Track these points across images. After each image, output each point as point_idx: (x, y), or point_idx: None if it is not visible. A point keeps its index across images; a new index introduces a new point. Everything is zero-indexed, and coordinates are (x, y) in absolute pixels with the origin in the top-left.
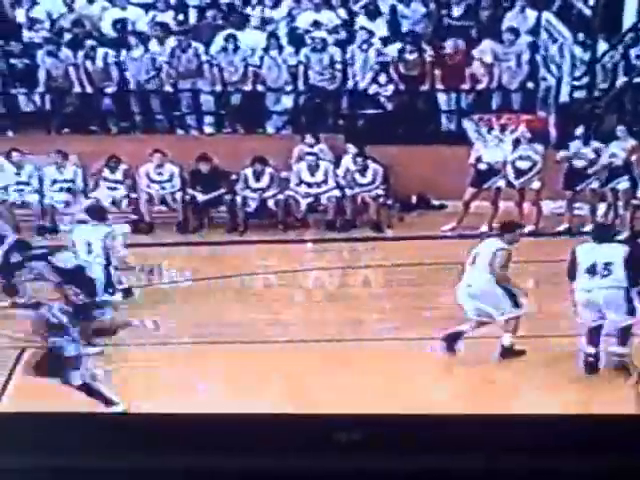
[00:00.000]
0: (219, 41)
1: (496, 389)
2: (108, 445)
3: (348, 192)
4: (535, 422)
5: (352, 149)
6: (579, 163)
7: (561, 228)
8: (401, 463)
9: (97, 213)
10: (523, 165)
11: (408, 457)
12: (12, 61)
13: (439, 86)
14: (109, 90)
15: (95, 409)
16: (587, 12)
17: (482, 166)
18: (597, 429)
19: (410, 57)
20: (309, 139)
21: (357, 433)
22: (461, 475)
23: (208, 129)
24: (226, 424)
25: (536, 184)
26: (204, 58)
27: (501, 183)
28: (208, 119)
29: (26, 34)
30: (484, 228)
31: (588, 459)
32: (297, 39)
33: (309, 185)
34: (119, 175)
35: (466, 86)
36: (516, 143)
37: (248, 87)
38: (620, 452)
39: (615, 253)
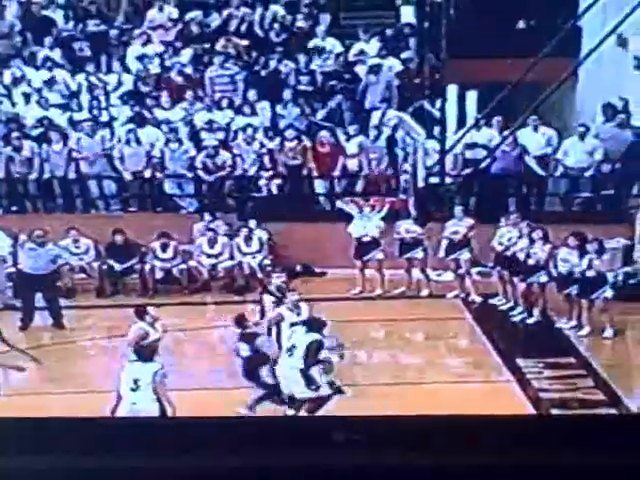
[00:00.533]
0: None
1: None
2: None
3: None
4: (534, 422)
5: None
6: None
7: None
8: (399, 462)
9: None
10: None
11: (406, 457)
12: None
13: (315, 173)
14: (32, 177)
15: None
16: (436, 113)
17: (364, 239)
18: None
19: (290, 145)
20: (207, 217)
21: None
22: (460, 473)
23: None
24: (224, 426)
25: (420, 254)
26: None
27: (380, 255)
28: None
29: None
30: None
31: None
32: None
33: (209, 256)
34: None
35: (338, 173)
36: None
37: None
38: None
39: None
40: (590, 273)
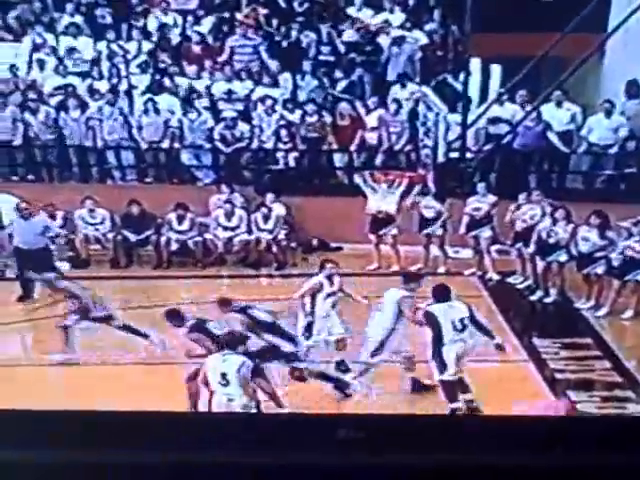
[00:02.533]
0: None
1: None
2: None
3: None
4: (535, 423)
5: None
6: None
7: None
8: (402, 460)
9: None
10: (428, 214)
11: (410, 455)
12: None
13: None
14: (50, 144)
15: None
16: (459, 87)
17: (379, 215)
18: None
19: (310, 120)
20: (224, 189)
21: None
22: (462, 473)
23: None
24: (227, 422)
25: (439, 231)
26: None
27: (394, 231)
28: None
29: None
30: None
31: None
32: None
33: (225, 228)
34: (59, 220)
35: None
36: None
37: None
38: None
39: None
40: (629, 253)
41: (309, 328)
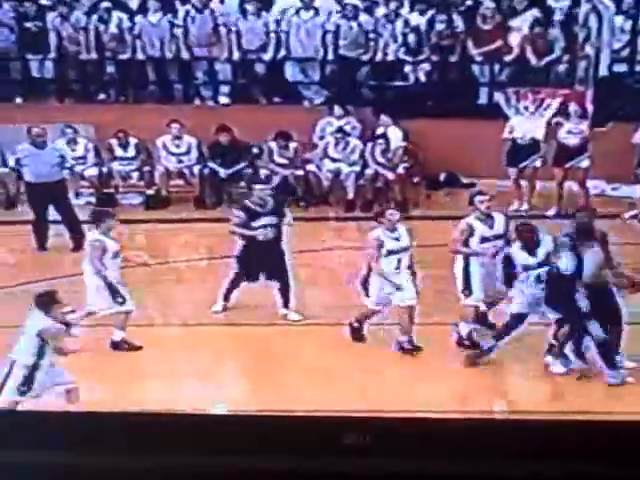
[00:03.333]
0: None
1: None
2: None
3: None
4: (536, 426)
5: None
6: None
7: None
8: (410, 466)
9: None
10: (571, 142)
11: (416, 460)
12: (26, 25)
13: (475, 56)
14: (123, 57)
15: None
16: None
17: (519, 142)
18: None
19: (441, 26)
20: (338, 111)
21: (368, 435)
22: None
23: (224, 99)
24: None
25: (585, 162)
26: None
27: (538, 163)
28: (224, 89)
29: None
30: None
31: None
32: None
33: (334, 160)
34: (132, 151)
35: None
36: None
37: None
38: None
39: None
40: None
41: None
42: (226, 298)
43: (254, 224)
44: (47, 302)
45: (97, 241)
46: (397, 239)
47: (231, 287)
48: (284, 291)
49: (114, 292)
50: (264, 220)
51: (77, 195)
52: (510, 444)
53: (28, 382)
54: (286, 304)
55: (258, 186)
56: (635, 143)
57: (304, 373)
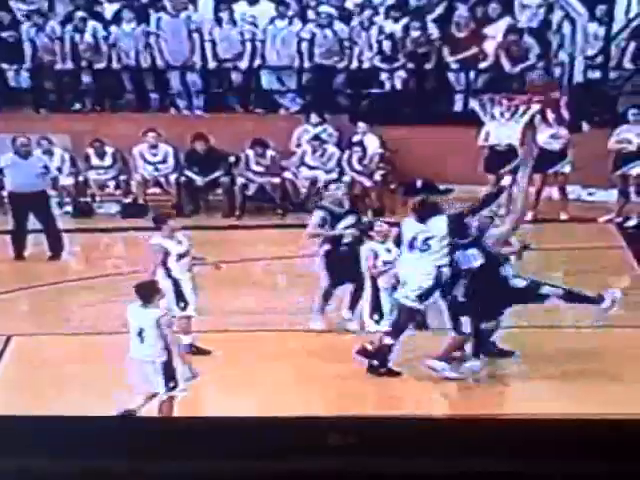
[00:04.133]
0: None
1: None
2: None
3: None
4: (531, 425)
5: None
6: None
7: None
8: (394, 466)
9: None
10: (551, 147)
11: (400, 460)
12: (1, 34)
13: (451, 63)
14: (98, 66)
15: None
16: None
17: (497, 149)
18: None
19: (416, 34)
20: (314, 119)
21: (351, 436)
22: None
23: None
24: (222, 427)
25: (567, 168)
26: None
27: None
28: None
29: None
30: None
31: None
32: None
33: (310, 168)
34: (108, 160)
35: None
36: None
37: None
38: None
39: None
40: None
41: None
42: (322, 311)
43: (339, 225)
44: (151, 292)
45: (157, 245)
46: (389, 250)
47: (326, 298)
48: (358, 294)
49: (178, 296)
50: (347, 220)
51: (60, 205)
52: (493, 443)
53: (170, 377)
54: (352, 307)
55: (332, 186)
56: (610, 148)
57: (289, 376)
